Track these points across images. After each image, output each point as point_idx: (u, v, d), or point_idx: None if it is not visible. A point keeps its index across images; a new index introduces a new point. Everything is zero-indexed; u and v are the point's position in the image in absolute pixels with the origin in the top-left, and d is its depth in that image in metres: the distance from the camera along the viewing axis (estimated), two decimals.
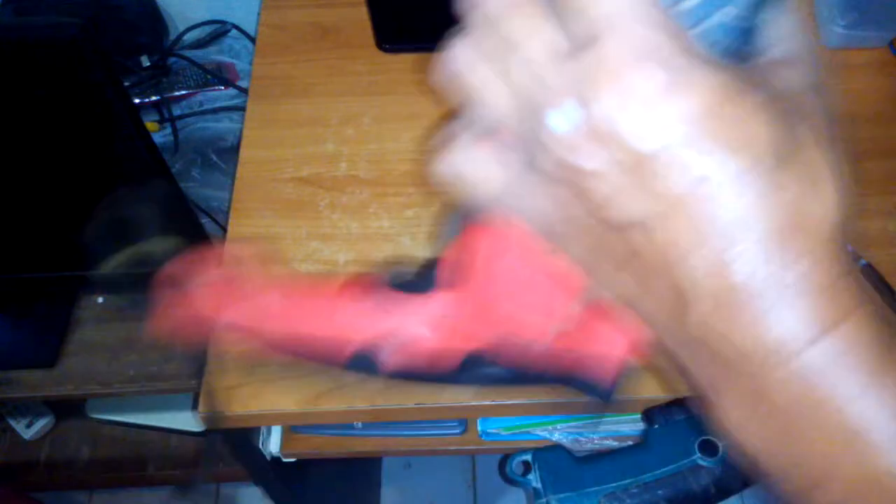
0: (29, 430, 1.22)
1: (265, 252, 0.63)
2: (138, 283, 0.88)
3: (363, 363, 0.31)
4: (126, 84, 0.95)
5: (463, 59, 0.22)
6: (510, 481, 0.64)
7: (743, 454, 0.22)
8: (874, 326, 0.21)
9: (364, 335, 0.31)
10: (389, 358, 0.31)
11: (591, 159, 0.20)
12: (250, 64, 0.79)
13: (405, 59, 0.74)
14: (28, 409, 1.22)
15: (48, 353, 0.86)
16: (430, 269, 0.30)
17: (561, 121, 0.20)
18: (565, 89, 0.20)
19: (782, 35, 0.23)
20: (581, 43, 0.19)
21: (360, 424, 0.73)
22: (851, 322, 0.21)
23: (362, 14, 0.75)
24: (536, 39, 0.20)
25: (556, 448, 0.66)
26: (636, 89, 0.19)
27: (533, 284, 0.27)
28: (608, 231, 0.21)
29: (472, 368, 0.30)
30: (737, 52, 0.21)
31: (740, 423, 0.22)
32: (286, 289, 0.35)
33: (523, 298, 0.27)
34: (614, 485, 0.61)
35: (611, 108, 0.19)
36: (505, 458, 0.64)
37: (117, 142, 0.64)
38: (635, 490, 0.60)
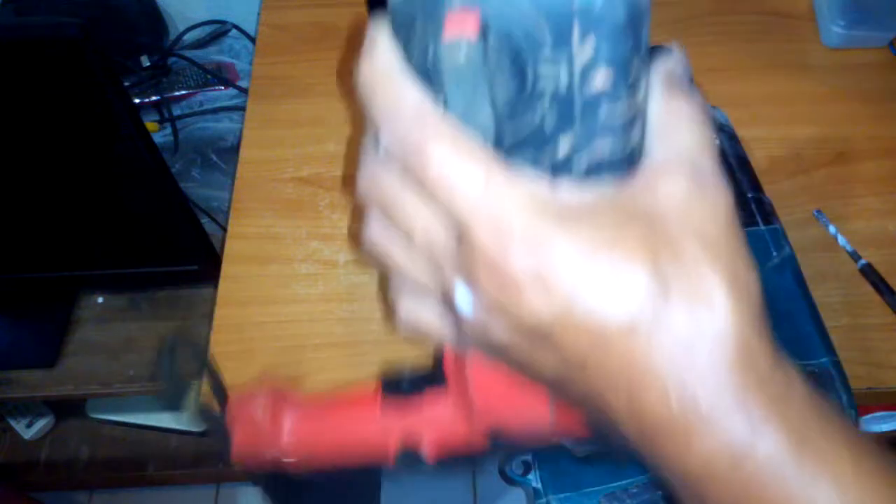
0: (29, 430, 1.22)
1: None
2: (138, 283, 0.88)
3: (409, 460, 0.34)
4: (126, 84, 0.95)
5: (375, 235, 0.24)
6: (510, 481, 0.64)
7: None
8: (799, 430, 0.22)
9: (399, 436, 0.34)
10: (429, 451, 0.33)
11: (496, 334, 0.22)
12: (250, 64, 0.79)
13: None
14: (28, 409, 1.22)
15: (48, 353, 0.86)
16: (435, 369, 0.32)
17: (460, 301, 0.22)
18: (454, 274, 0.22)
19: (664, 132, 0.23)
20: (456, 232, 0.21)
21: None
22: (769, 435, 0.21)
23: (362, 14, 0.75)
24: (421, 230, 0.22)
25: (557, 448, 0.66)
26: (509, 274, 0.21)
27: (522, 400, 0.29)
28: (543, 378, 0.24)
29: (501, 442, 0.31)
30: (625, 153, 0.22)
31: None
32: (322, 407, 0.39)
33: (517, 388, 0.28)
34: (614, 485, 0.61)
35: (493, 292, 0.21)
36: (505, 458, 0.64)
37: (117, 142, 0.64)
38: (635, 490, 0.60)
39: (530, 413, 0.29)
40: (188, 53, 0.98)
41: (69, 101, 0.60)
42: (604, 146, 0.21)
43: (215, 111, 0.97)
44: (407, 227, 0.23)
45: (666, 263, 0.21)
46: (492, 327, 0.22)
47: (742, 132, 0.59)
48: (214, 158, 0.95)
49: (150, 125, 0.95)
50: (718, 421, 0.21)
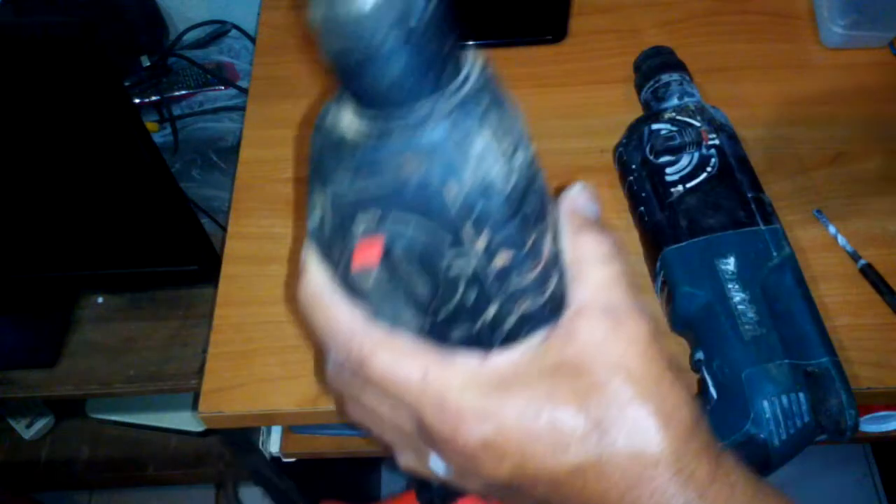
0: (29, 430, 1.22)
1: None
2: (138, 283, 0.88)
3: None
4: (126, 84, 0.95)
5: (356, 416, 0.28)
6: None
7: None
8: None
9: None
10: None
11: (473, 487, 0.26)
12: (250, 64, 0.79)
13: None
14: (28, 409, 1.22)
15: (48, 353, 0.86)
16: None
17: (435, 467, 0.26)
18: (423, 448, 0.26)
19: (576, 275, 0.25)
20: (413, 419, 0.25)
21: None
22: None
23: None
24: (387, 417, 0.26)
25: None
26: (465, 447, 0.24)
27: None
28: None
29: None
30: (549, 300, 0.24)
31: None
32: None
33: None
34: None
35: (456, 463, 0.25)
36: None
37: (117, 142, 0.64)
38: None
39: None
40: (188, 53, 0.98)
41: (69, 101, 0.60)
42: (523, 308, 0.24)
43: (215, 111, 0.97)
44: (374, 415, 0.27)
45: (597, 406, 0.24)
46: (467, 485, 0.26)
47: (742, 132, 0.59)
48: (214, 158, 0.95)
49: (150, 125, 0.95)
50: None
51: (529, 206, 0.23)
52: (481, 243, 0.22)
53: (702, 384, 0.51)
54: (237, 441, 0.72)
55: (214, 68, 0.98)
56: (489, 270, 0.23)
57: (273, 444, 0.74)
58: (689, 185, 0.56)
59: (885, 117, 0.68)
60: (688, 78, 0.64)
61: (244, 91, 0.95)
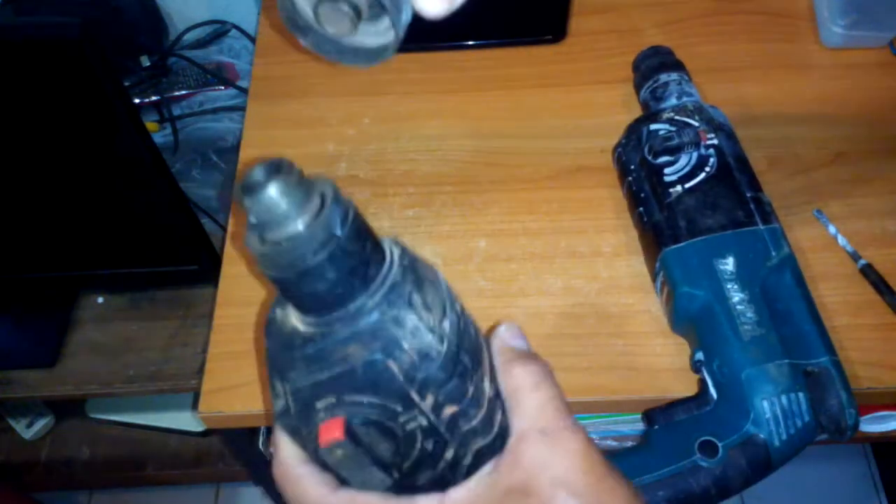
0: (29, 430, 1.22)
1: None
2: (138, 283, 0.88)
3: None
4: (126, 84, 0.95)
5: None
6: None
7: None
8: None
9: None
10: None
11: None
12: (250, 64, 0.79)
13: (405, 59, 0.74)
14: (28, 409, 1.22)
15: (48, 353, 0.86)
16: None
17: None
18: None
19: (513, 406, 0.29)
20: None
21: None
22: None
23: None
24: None
25: None
26: None
27: None
28: None
29: None
30: (497, 434, 0.28)
31: None
32: None
33: None
34: None
35: None
36: None
37: (117, 142, 0.64)
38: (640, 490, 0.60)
39: None
40: (188, 53, 0.98)
41: (69, 102, 0.60)
42: (475, 445, 0.27)
43: (215, 111, 0.97)
44: None
45: None
46: None
47: (742, 132, 0.59)
48: (214, 158, 0.95)
49: (150, 125, 0.95)
50: None
51: (464, 359, 0.27)
52: (428, 403, 0.26)
53: (702, 384, 0.51)
54: (237, 441, 0.72)
55: (214, 68, 0.98)
56: (440, 422, 0.26)
57: None
58: (687, 186, 0.56)
59: (885, 117, 0.68)
60: (686, 78, 0.64)
61: (244, 91, 0.95)
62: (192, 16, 1.00)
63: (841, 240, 0.60)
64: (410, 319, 0.26)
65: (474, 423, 0.27)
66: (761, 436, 0.46)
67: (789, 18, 0.76)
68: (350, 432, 0.26)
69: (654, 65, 0.65)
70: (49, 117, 0.62)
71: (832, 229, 0.61)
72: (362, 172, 0.68)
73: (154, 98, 0.96)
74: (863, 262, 0.59)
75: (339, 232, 0.24)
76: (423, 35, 0.67)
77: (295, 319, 0.27)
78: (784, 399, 0.47)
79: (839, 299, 0.57)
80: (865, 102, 0.69)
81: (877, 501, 1.29)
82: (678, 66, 0.65)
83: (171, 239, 0.76)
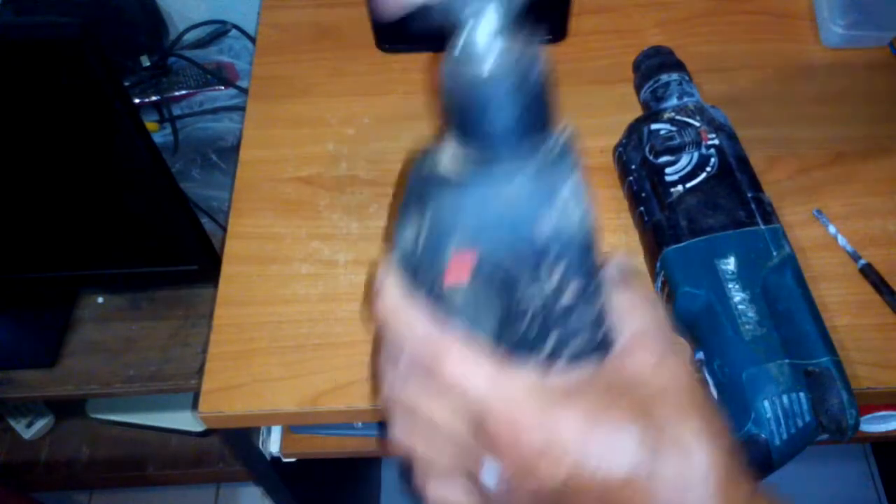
0: (29, 430, 1.22)
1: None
2: (138, 283, 0.88)
3: None
4: (126, 84, 0.95)
5: (402, 435, 0.29)
6: None
7: None
8: None
9: None
10: None
11: (524, 498, 0.26)
12: (250, 64, 0.79)
13: (405, 59, 0.74)
14: (28, 409, 1.22)
15: (48, 353, 0.86)
16: None
17: (487, 478, 0.27)
18: (480, 457, 0.27)
19: (625, 317, 0.28)
20: (473, 422, 0.26)
21: (360, 424, 0.73)
22: None
23: (362, 14, 0.75)
24: (445, 424, 0.27)
25: None
26: (526, 449, 0.25)
27: None
28: None
29: None
30: (600, 342, 0.27)
31: None
32: None
33: None
34: None
35: (512, 468, 0.26)
36: None
37: (117, 142, 0.64)
38: None
39: None
40: (188, 53, 0.98)
41: (69, 102, 0.60)
42: (580, 341, 0.27)
43: (215, 111, 0.97)
44: (430, 426, 0.28)
45: (650, 423, 0.26)
46: (516, 496, 0.27)
47: (742, 132, 0.59)
48: (214, 158, 0.95)
49: (150, 125, 0.95)
50: None
51: (593, 254, 0.27)
52: (553, 280, 0.26)
53: (702, 384, 0.51)
54: (237, 441, 0.72)
55: (214, 68, 0.98)
56: (556, 304, 0.26)
57: (273, 444, 0.74)
58: (688, 185, 0.56)
59: (885, 117, 0.68)
60: (687, 78, 0.64)
61: (244, 91, 0.95)
62: (192, 16, 1.00)
63: (841, 240, 0.60)
64: (567, 191, 0.25)
65: (585, 319, 0.27)
66: (762, 436, 0.46)
67: (789, 18, 0.76)
68: (476, 279, 0.26)
69: (655, 65, 0.65)
70: (49, 117, 0.62)
71: (832, 229, 0.61)
72: (362, 172, 0.68)
73: (154, 98, 0.96)
74: (863, 262, 0.59)
75: (538, 68, 0.25)
76: (423, 35, 0.67)
77: (450, 160, 0.26)
78: (785, 399, 0.47)
79: (839, 299, 0.57)
80: (865, 102, 0.69)
81: (877, 501, 1.29)
82: (679, 66, 0.65)
83: (171, 239, 0.76)
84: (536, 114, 0.25)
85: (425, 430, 0.28)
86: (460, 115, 0.25)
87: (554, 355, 0.27)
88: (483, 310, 0.27)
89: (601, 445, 0.25)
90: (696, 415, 0.27)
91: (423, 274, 0.27)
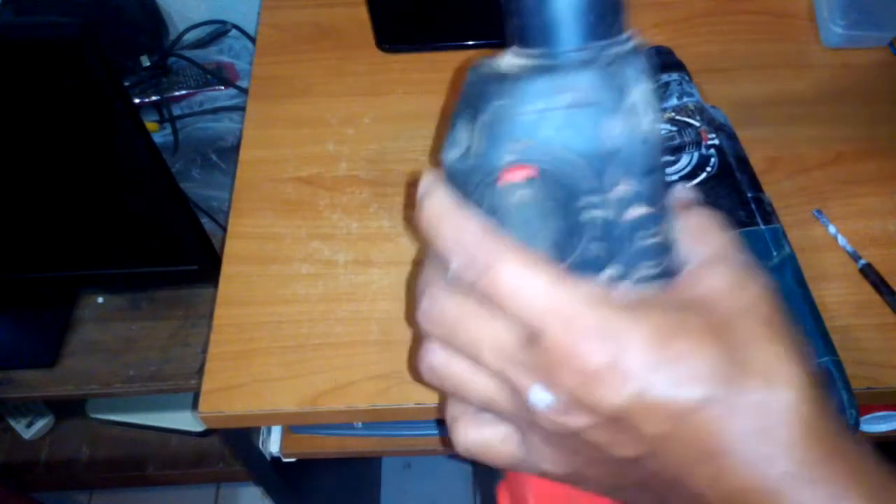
0: (29, 430, 1.22)
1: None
2: (138, 283, 0.88)
3: None
4: (126, 84, 0.95)
5: (437, 360, 0.25)
6: None
7: None
8: (879, 492, 0.23)
9: None
10: None
11: (577, 422, 0.23)
12: (250, 64, 0.79)
13: (405, 59, 0.74)
14: (28, 409, 1.22)
15: (48, 353, 0.86)
16: None
17: (538, 400, 0.24)
18: (530, 377, 0.23)
19: (695, 240, 0.25)
20: (527, 338, 0.23)
21: (360, 424, 0.73)
22: (857, 494, 0.23)
23: (362, 14, 0.75)
24: (492, 341, 0.24)
25: None
26: (585, 367, 0.22)
27: None
28: (618, 464, 0.24)
29: None
30: (664, 271, 0.25)
31: None
32: None
33: None
34: None
35: (571, 386, 0.23)
36: None
37: (117, 142, 0.64)
38: None
39: None
40: (188, 53, 0.98)
41: (69, 102, 0.60)
42: (646, 263, 0.24)
43: (215, 111, 0.97)
44: (475, 344, 0.24)
45: (726, 347, 0.23)
46: (570, 420, 0.23)
47: (742, 132, 0.59)
48: (214, 158, 0.95)
49: (150, 125, 0.95)
50: (800, 490, 0.23)
51: (659, 169, 0.24)
52: (618, 192, 0.23)
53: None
54: (237, 441, 0.72)
55: (214, 68, 0.98)
56: (622, 219, 0.24)
57: (273, 444, 0.74)
58: (688, 185, 0.56)
59: (885, 117, 0.68)
60: (687, 78, 0.64)
61: (244, 91, 0.95)
62: (192, 16, 1.00)
63: (841, 240, 0.60)
64: (637, 92, 0.23)
65: (652, 238, 0.24)
66: None
67: (789, 18, 0.76)
68: (534, 185, 0.23)
69: (655, 65, 0.65)
70: (49, 117, 0.62)
71: (832, 229, 0.61)
72: (362, 172, 0.68)
73: (154, 98, 0.96)
74: (863, 262, 0.59)
75: None
76: (423, 35, 0.68)
77: (514, 59, 0.24)
78: None
79: (839, 299, 0.57)
80: (865, 103, 0.69)
81: None
82: (679, 66, 0.65)
83: (171, 239, 0.76)
84: (604, 9, 0.23)
85: (468, 351, 0.25)
86: (523, 9, 0.23)
87: (617, 277, 0.24)
88: (541, 220, 0.24)
89: (670, 368, 0.22)
90: (778, 340, 0.24)
91: (475, 179, 0.24)
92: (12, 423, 1.22)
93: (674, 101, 0.61)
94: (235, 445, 0.75)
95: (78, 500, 1.37)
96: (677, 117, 0.59)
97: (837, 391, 0.48)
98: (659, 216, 0.24)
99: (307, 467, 0.80)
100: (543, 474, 0.27)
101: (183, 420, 1.21)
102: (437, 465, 1.38)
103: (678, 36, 0.75)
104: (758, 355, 0.23)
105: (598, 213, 0.23)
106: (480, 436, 0.27)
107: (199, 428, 1.20)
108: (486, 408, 0.26)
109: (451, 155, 0.25)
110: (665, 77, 0.63)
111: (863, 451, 0.24)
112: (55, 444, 1.23)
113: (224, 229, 0.79)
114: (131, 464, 1.21)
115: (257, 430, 0.73)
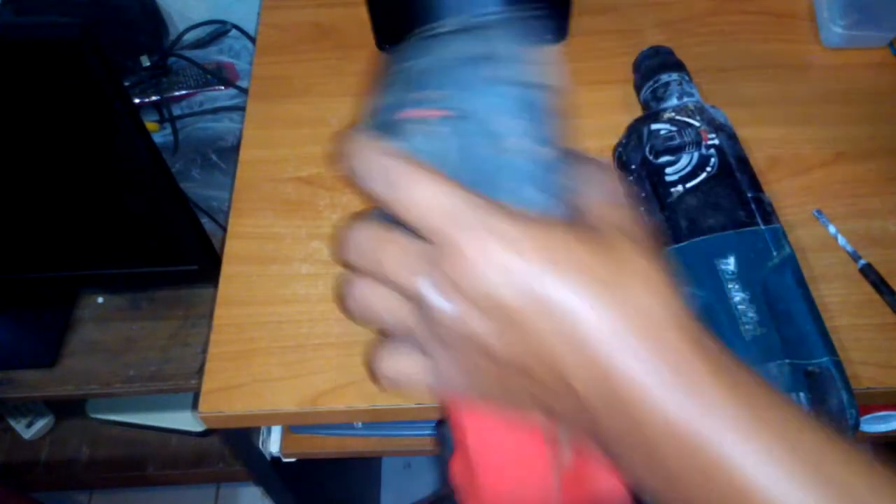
0: (29, 430, 1.22)
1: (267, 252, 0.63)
2: (138, 283, 0.89)
3: None
4: (126, 84, 0.95)
5: (357, 289, 0.29)
6: None
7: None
8: (751, 397, 0.25)
9: None
10: None
11: (465, 316, 0.26)
12: (250, 64, 0.79)
13: None
14: (28, 409, 1.22)
15: (48, 353, 0.86)
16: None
17: (429, 295, 0.26)
18: (425, 276, 0.26)
19: (589, 184, 0.30)
20: (426, 245, 0.26)
21: (360, 424, 0.73)
22: (729, 395, 0.25)
23: (362, 14, 0.75)
24: (397, 254, 0.27)
25: None
26: (481, 267, 0.25)
27: (520, 447, 0.31)
28: (509, 368, 0.27)
29: None
30: (553, 203, 0.29)
31: (642, 485, 0.27)
32: None
33: (517, 463, 0.31)
34: None
35: (468, 285, 0.25)
36: None
37: (117, 142, 0.64)
38: None
39: (527, 457, 0.31)
40: (188, 53, 0.98)
41: (69, 102, 0.60)
42: (534, 196, 0.28)
43: (215, 111, 0.97)
44: (382, 262, 0.27)
45: (609, 254, 0.26)
46: (468, 318, 0.26)
47: (742, 132, 0.59)
48: (214, 158, 0.95)
49: (150, 125, 0.95)
50: (680, 397, 0.25)
51: (554, 120, 0.29)
52: (511, 127, 0.28)
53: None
54: (237, 441, 0.72)
55: (214, 68, 0.98)
56: (511, 153, 0.28)
57: (273, 444, 0.74)
58: (688, 185, 0.56)
59: (885, 117, 0.68)
60: (687, 77, 0.64)
61: (244, 91, 0.95)
62: (192, 16, 1.00)
63: (841, 240, 0.60)
64: (507, 50, 0.29)
65: (540, 174, 0.28)
66: None
67: (789, 18, 0.76)
68: (436, 123, 0.28)
69: (655, 65, 0.65)
70: (49, 117, 0.62)
71: (832, 229, 0.61)
72: None
73: (154, 98, 0.96)
74: (863, 262, 0.59)
75: None
76: None
77: (411, 40, 0.30)
78: None
79: (839, 299, 0.57)
80: (865, 102, 0.69)
81: None
82: (679, 66, 0.65)
83: (171, 239, 0.76)
84: None
85: (379, 272, 0.28)
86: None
87: (509, 201, 0.27)
88: (442, 154, 0.27)
89: (554, 265, 0.25)
90: (656, 261, 0.27)
91: (385, 127, 0.28)
92: (12, 423, 1.22)
93: (674, 101, 0.61)
94: (235, 445, 0.75)
95: (78, 500, 1.38)
96: (677, 117, 0.59)
97: (837, 391, 0.48)
98: (554, 159, 0.29)
99: (307, 467, 0.80)
100: (456, 394, 0.30)
101: (183, 420, 1.21)
102: (437, 465, 1.38)
103: (678, 36, 0.75)
104: (638, 268, 0.26)
105: (490, 148, 0.27)
106: (397, 366, 0.30)
107: (199, 428, 1.20)
108: (398, 330, 0.29)
109: (367, 114, 0.29)
110: (665, 77, 0.63)
111: (742, 365, 0.27)
112: (55, 444, 1.23)
113: (224, 229, 0.79)
114: (131, 464, 1.21)
115: (257, 430, 0.73)
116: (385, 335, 0.30)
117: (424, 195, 0.26)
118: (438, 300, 0.26)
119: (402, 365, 0.30)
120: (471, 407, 0.31)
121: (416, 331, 0.28)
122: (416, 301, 0.27)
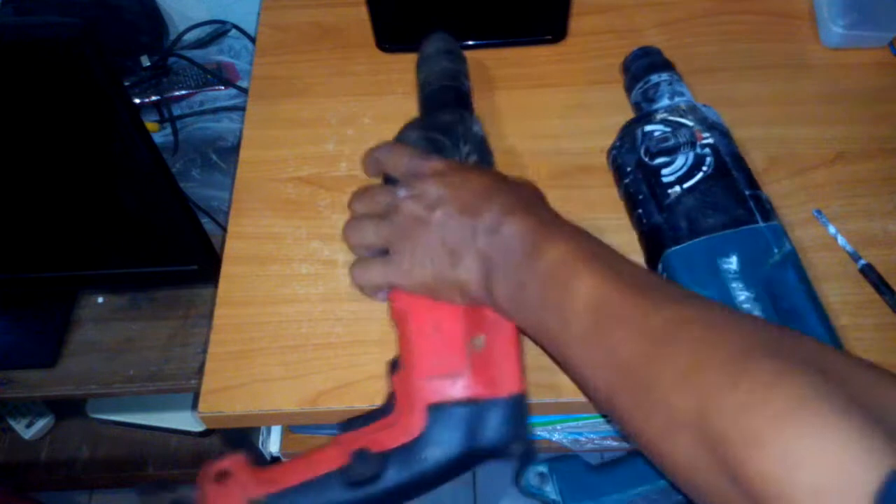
0: (29, 430, 1.22)
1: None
2: (138, 283, 0.88)
3: (361, 461, 0.46)
4: (126, 84, 0.95)
5: (353, 222, 0.55)
6: (528, 494, 0.64)
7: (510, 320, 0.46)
8: (590, 244, 0.45)
9: (351, 448, 0.47)
10: (374, 448, 0.47)
11: (429, 191, 0.48)
12: (250, 64, 0.79)
13: (405, 59, 0.74)
14: (28, 409, 1.22)
15: (48, 353, 0.86)
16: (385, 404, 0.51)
17: (398, 190, 0.50)
18: (398, 187, 0.51)
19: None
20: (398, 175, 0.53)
21: None
22: (572, 239, 0.44)
23: (362, 14, 0.75)
24: (382, 189, 0.54)
25: (571, 457, 0.66)
26: (412, 166, 0.52)
27: (443, 322, 0.46)
28: (459, 227, 0.47)
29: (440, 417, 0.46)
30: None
31: (507, 301, 0.44)
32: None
33: (441, 334, 0.46)
34: (633, 491, 0.61)
35: (408, 175, 0.52)
36: (519, 471, 0.64)
37: (117, 142, 0.64)
38: (655, 496, 0.60)
39: (448, 330, 0.46)
40: (188, 53, 0.98)
41: (69, 102, 0.60)
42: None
43: (215, 111, 0.97)
44: (376, 193, 0.54)
45: (498, 177, 0.51)
46: (427, 191, 0.48)
47: (741, 132, 0.59)
48: (214, 158, 0.95)
49: (150, 125, 0.95)
50: (529, 230, 0.45)
51: (465, 95, 0.59)
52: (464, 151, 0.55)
53: None
54: (237, 441, 0.72)
55: (214, 68, 0.98)
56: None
57: (273, 444, 0.74)
58: (685, 186, 0.56)
59: (885, 117, 0.68)
60: (677, 77, 0.64)
61: (244, 91, 0.95)
62: (192, 16, 1.00)
63: (841, 240, 0.60)
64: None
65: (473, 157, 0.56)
66: None
67: (789, 18, 0.76)
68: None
69: (644, 66, 0.64)
70: (49, 117, 0.62)
71: (832, 229, 0.61)
72: (362, 172, 0.67)
73: (154, 98, 0.96)
74: (863, 262, 0.59)
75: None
76: (423, 35, 0.67)
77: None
78: None
79: (839, 299, 0.57)
80: (865, 102, 0.69)
81: None
82: (667, 65, 0.64)
83: (172, 239, 0.76)
84: (448, 101, 0.61)
85: (372, 206, 0.53)
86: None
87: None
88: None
89: (466, 166, 0.52)
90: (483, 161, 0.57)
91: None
92: (12, 423, 1.22)
93: (665, 102, 0.61)
94: (235, 445, 0.75)
95: (78, 500, 1.38)
96: (670, 118, 0.59)
97: None
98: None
99: None
100: (404, 289, 0.49)
101: (183, 420, 1.21)
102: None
103: (678, 36, 0.75)
104: (510, 179, 0.50)
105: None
106: (367, 273, 0.52)
107: (199, 428, 1.20)
108: (378, 243, 0.51)
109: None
110: (654, 77, 0.63)
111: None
112: (55, 444, 1.23)
113: (224, 229, 0.79)
114: (131, 464, 1.21)
115: (257, 430, 0.73)
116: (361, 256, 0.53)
117: (400, 158, 0.53)
118: (405, 192, 0.49)
119: (370, 273, 0.52)
120: (413, 299, 0.48)
121: (389, 237, 0.49)
122: (392, 209, 0.49)
